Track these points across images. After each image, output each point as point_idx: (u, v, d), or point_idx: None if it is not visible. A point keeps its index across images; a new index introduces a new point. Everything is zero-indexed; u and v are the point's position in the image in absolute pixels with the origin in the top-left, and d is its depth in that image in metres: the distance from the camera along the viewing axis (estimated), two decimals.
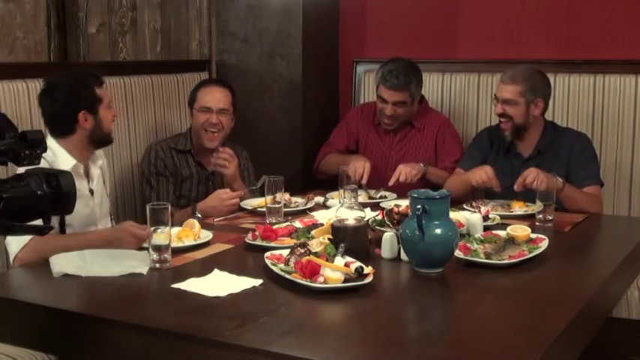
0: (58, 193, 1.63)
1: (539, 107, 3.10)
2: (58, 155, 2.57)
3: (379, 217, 2.58)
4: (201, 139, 3.25)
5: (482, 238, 2.41)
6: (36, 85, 3.06)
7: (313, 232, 2.43)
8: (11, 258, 2.43)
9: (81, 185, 2.50)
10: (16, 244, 2.40)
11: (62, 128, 2.61)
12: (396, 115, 3.44)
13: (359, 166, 3.23)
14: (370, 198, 3.16)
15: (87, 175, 2.69)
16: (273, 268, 2.12)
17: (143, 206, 2.91)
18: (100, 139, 2.70)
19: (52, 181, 1.63)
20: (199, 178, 3.29)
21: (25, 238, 2.36)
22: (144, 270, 2.17)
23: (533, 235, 2.44)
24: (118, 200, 3.42)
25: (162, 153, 3.24)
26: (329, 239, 2.23)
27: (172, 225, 2.26)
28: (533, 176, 2.80)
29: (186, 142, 3.29)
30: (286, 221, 2.68)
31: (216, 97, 3.24)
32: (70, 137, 2.62)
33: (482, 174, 2.98)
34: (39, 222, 1.64)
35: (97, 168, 2.75)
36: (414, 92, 3.42)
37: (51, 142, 2.57)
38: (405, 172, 3.16)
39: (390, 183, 3.18)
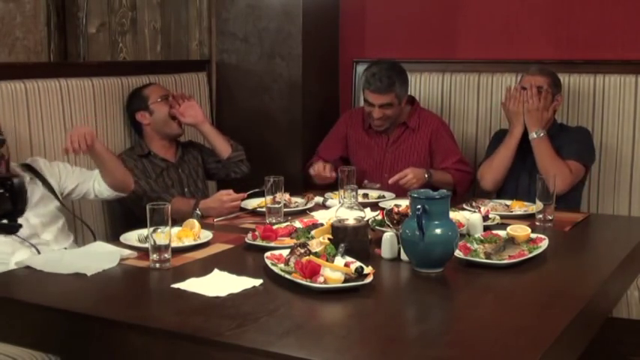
0: (14, 195, 1.64)
1: (558, 102, 3.30)
2: None
3: (379, 217, 2.58)
4: (169, 129, 3.34)
5: (482, 238, 2.41)
6: (35, 86, 3.07)
7: (313, 232, 2.43)
8: None
9: None
10: None
11: None
12: (385, 116, 3.44)
13: (321, 176, 3.38)
14: (365, 195, 3.16)
15: None
16: (273, 268, 2.12)
17: (139, 205, 2.91)
18: None
19: (7, 184, 1.64)
20: (168, 170, 3.33)
21: None
22: (113, 264, 2.22)
23: (533, 235, 2.44)
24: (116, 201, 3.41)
25: (126, 158, 3.26)
26: (329, 239, 2.23)
27: (172, 214, 2.26)
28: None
29: (143, 147, 3.34)
30: (286, 221, 2.68)
31: (164, 87, 3.45)
32: None
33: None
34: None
35: None
36: (399, 93, 3.42)
37: None
38: (408, 180, 3.18)
39: (391, 181, 3.18)
